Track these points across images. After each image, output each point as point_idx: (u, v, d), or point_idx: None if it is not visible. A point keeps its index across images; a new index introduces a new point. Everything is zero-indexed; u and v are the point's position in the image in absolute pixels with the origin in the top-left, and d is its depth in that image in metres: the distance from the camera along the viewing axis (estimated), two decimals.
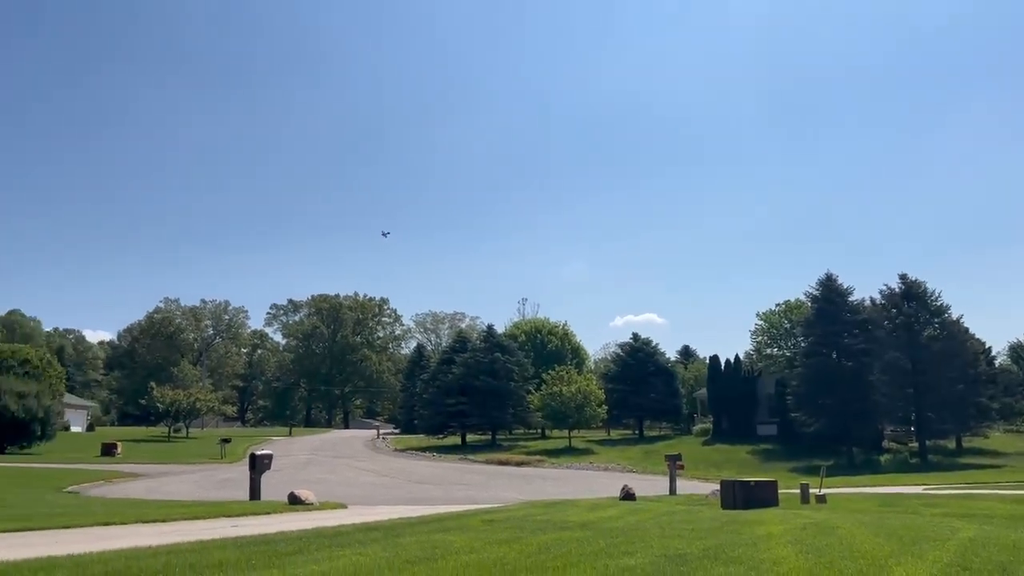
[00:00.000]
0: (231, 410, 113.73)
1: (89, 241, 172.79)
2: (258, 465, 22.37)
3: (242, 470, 34.34)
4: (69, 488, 31.30)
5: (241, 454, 51.96)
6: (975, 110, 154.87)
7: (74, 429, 78.01)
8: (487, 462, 51.41)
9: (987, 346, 59.96)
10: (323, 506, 19.42)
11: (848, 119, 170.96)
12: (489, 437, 64.75)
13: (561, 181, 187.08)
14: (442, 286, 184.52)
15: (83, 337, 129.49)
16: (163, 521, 14.17)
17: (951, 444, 54.89)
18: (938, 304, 54.66)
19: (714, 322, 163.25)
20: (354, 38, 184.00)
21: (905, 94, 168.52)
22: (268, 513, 16.55)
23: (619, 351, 73.14)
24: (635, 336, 70.77)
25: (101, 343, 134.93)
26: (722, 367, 64.24)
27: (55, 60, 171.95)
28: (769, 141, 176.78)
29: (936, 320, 54.50)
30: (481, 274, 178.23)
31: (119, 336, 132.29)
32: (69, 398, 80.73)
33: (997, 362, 65.78)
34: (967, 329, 55.34)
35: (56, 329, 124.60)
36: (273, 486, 24.00)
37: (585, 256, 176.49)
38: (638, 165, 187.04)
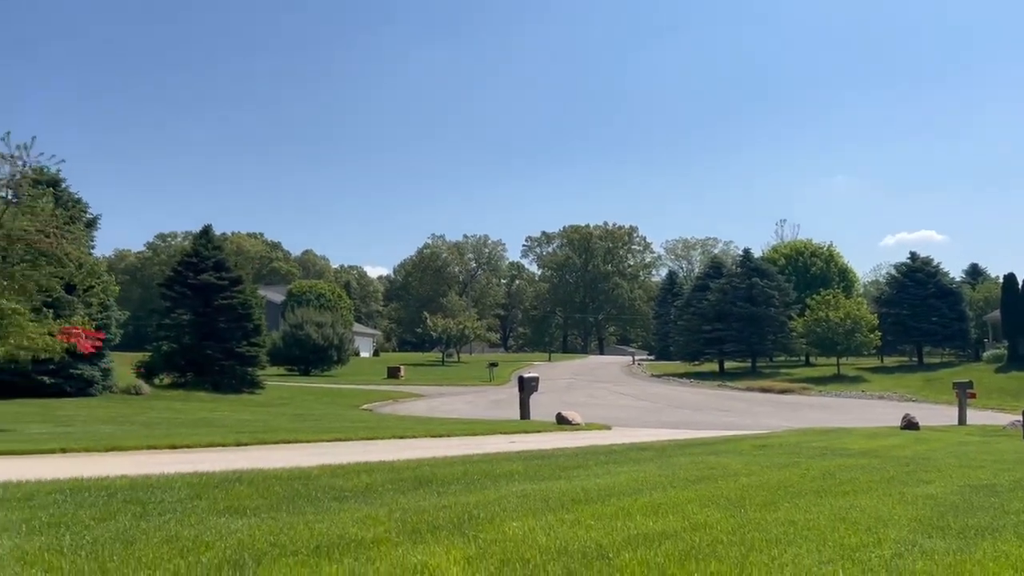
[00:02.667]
0: (494, 337, 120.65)
1: (365, 186, 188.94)
2: (526, 387, 23.60)
3: (510, 392, 36.55)
4: (364, 406, 35.20)
5: (507, 377, 55.20)
6: None
7: (363, 354, 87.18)
8: (748, 389, 50.25)
9: None
10: (588, 427, 20.11)
11: None
12: (748, 364, 63.11)
13: (816, 86, 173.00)
14: (692, 211, 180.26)
15: (364, 272, 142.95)
16: (448, 436, 15.45)
17: None
18: None
19: (1007, 236, 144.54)
20: None
21: None
22: (539, 431, 17.44)
23: (894, 272, 67.49)
24: (912, 255, 64.81)
25: (380, 278, 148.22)
26: (1020, 286, 56.97)
27: (329, 22, 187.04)
28: None
29: None
30: (733, 196, 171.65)
31: (394, 271, 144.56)
32: (357, 327, 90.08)
33: None
34: None
35: (342, 266, 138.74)
36: (540, 406, 25.23)
37: (848, 169, 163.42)
38: (904, 65, 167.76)
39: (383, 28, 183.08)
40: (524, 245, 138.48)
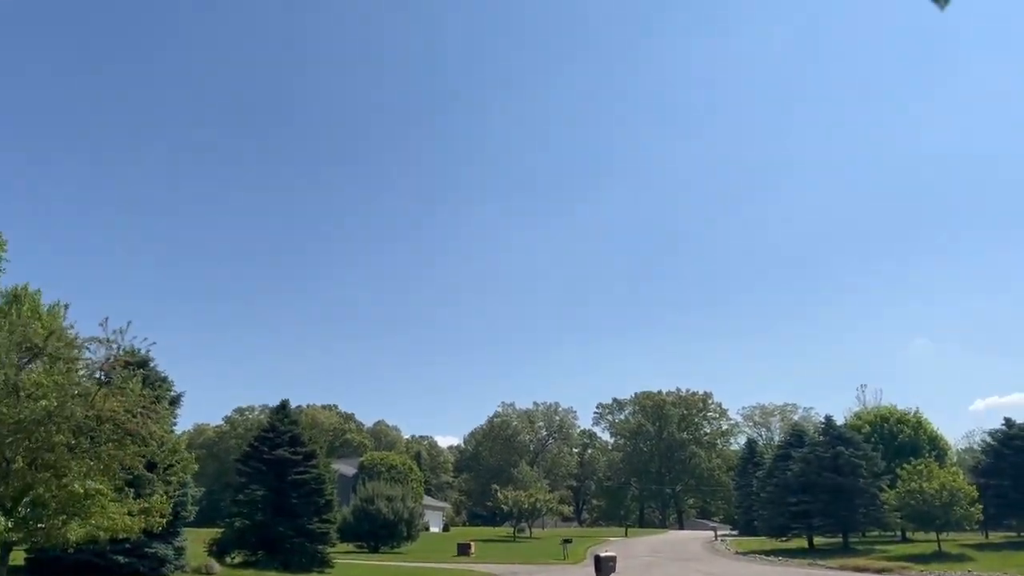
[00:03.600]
0: (567, 510, 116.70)
1: (436, 352, 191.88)
2: (603, 568, 22.59)
3: (586, 572, 34.87)
4: None
5: (583, 554, 52.83)
6: None
7: (432, 529, 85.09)
8: (842, 568, 46.78)
9: None
10: None
11: None
12: (839, 539, 59.10)
13: (891, 247, 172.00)
14: (768, 376, 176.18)
15: (435, 442, 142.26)
16: None
17: None
18: None
19: None
20: (643, 140, 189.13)
21: None
22: None
23: (989, 439, 63.74)
24: (1008, 421, 61.31)
25: (450, 447, 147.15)
26: None
27: (364, 191, 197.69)
28: None
29: None
30: (810, 361, 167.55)
31: (465, 440, 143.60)
32: (427, 500, 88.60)
33: None
34: None
35: (413, 436, 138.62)
36: None
37: (927, 331, 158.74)
38: (985, 218, 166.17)
39: (461, 204, 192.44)
40: (596, 412, 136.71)
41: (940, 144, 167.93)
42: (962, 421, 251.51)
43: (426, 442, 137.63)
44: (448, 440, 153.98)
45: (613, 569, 22.95)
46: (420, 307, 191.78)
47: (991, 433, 63.74)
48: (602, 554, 23.68)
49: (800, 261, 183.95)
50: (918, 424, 77.22)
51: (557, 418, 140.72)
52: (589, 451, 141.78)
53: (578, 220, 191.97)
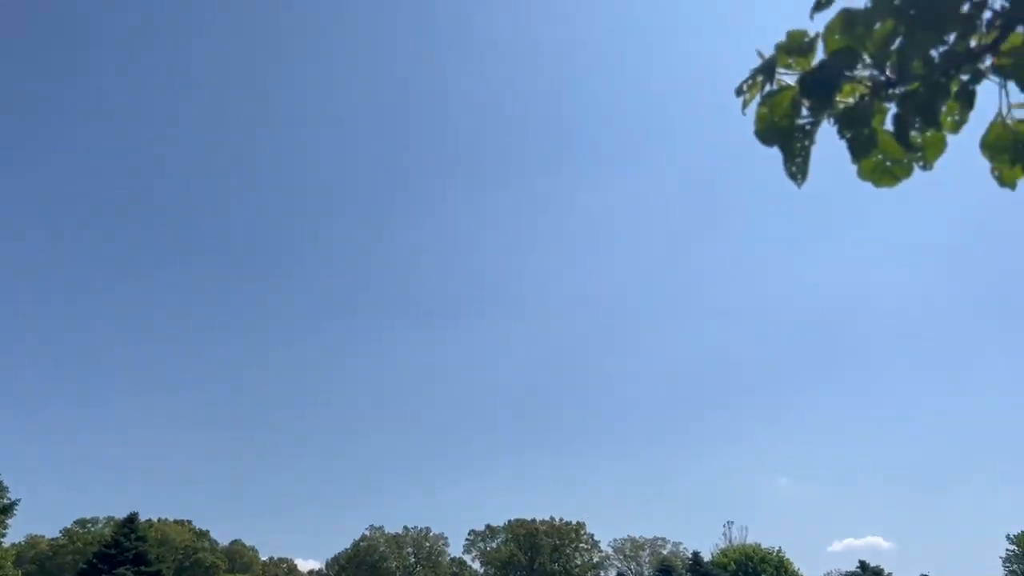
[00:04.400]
0: None
1: (302, 472, 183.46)
2: None
3: None
4: None
5: None
6: None
7: None
8: None
9: None
10: None
11: None
12: None
13: (764, 388, 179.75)
14: (640, 508, 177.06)
15: (295, 566, 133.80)
16: None
17: None
18: None
19: (952, 547, 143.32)
20: (527, 264, 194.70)
21: None
22: None
23: None
24: (862, 564, 63.54)
25: (311, 572, 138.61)
26: None
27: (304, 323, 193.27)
28: (1005, 342, 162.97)
29: None
30: (681, 495, 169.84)
31: (327, 565, 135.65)
32: None
33: None
34: None
35: (271, 558, 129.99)
36: None
37: (794, 471, 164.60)
38: (853, 368, 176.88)
39: (346, 318, 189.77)
40: (467, 539, 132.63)
41: (817, 290, 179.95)
42: (823, 561, 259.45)
43: (285, 565, 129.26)
44: (309, 564, 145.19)
45: None
46: (285, 419, 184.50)
47: (846, 575, 65.81)
48: None
49: (675, 396, 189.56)
50: (780, 564, 78.80)
51: (427, 544, 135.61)
52: None
53: (461, 344, 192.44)
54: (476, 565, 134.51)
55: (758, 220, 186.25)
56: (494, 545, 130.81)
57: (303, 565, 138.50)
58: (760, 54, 2.95)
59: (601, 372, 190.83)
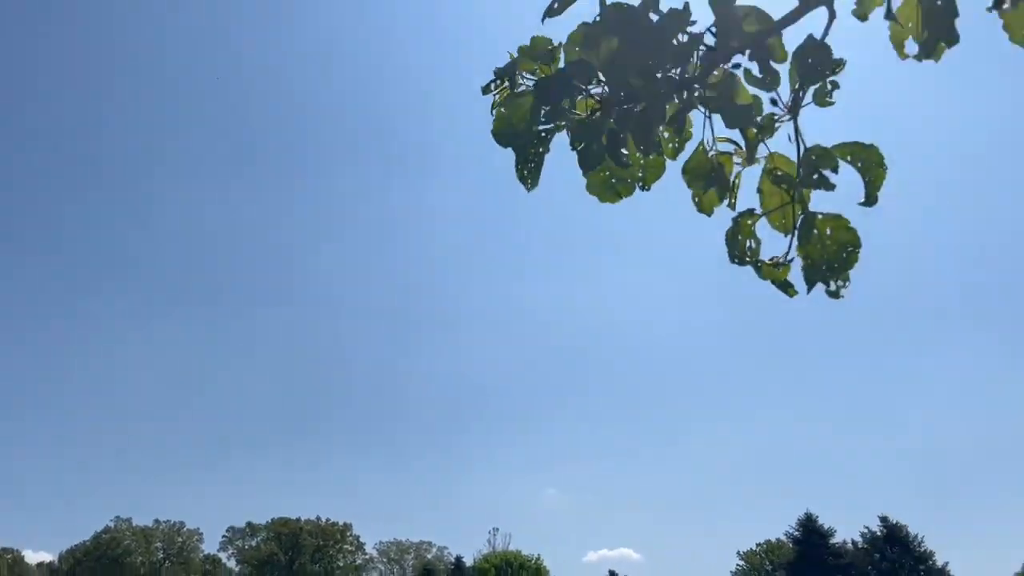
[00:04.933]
0: None
1: (32, 457, 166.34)
2: None
3: None
4: None
5: None
6: (963, 353, 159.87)
7: None
8: None
9: None
10: None
11: (832, 358, 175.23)
12: None
13: (537, 406, 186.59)
14: (410, 512, 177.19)
15: (22, 558, 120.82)
16: None
17: None
18: (922, 550, 53.02)
19: (693, 561, 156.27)
20: (310, 252, 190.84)
21: (890, 330, 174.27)
22: None
23: None
24: (611, 573, 67.58)
25: (40, 565, 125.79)
26: None
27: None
28: (754, 378, 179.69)
29: (921, 567, 52.59)
30: (452, 502, 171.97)
31: (60, 558, 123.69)
32: None
33: None
34: None
35: None
36: None
37: (561, 482, 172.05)
38: (616, 395, 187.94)
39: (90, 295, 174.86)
40: (224, 536, 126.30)
41: (588, 311, 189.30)
42: (578, 570, 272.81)
43: (10, 556, 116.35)
44: (40, 556, 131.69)
45: None
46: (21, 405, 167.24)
47: None
48: None
49: (451, 403, 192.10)
50: (538, 571, 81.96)
51: (179, 540, 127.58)
52: None
53: (230, 333, 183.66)
54: (232, 564, 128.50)
55: (544, 232, 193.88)
56: (253, 543, 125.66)
57: (32, 557, 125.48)
58: (511, 55, 2.95)
59: (380, 373, 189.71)
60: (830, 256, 2.44)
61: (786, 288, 2.54)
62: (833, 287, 2.47)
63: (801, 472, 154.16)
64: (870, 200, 2.41)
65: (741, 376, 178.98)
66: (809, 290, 2.48)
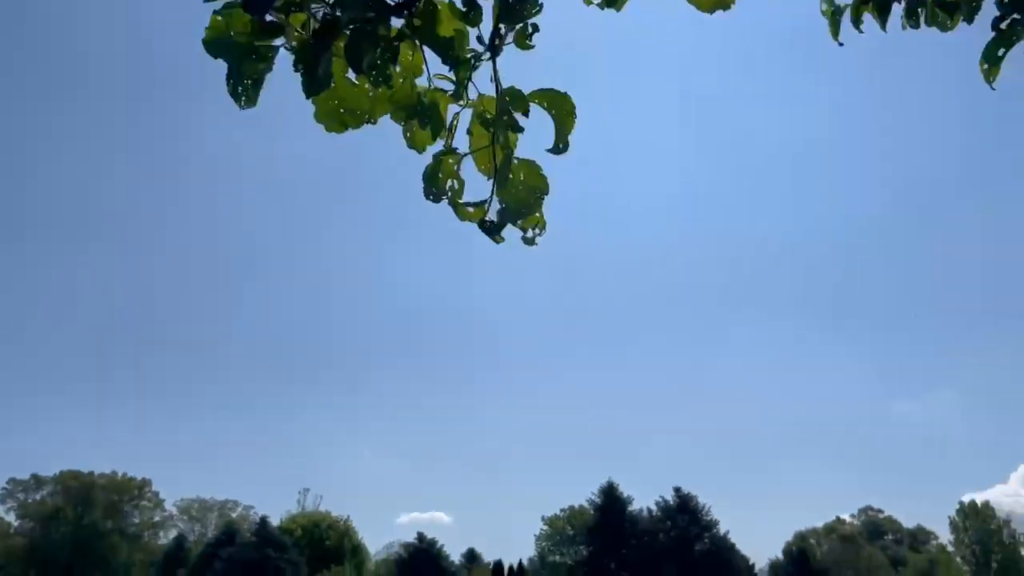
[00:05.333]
0: None
1: None
2: None
3: None
4: None
5: None
6: (751, 334, 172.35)
7: None
8: None
9: (751, 562, 63.12)
10: None
11: (636, 332, 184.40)
12: None
13: (352, 368, 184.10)
14: (214, 470, 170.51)
15: None
16: None
17: None
18: (708, 519, 57.37)
19: (500, 524, 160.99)
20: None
21: (690, 308, 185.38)
22: None
23: (402, 552, 69.84)
24: (420, 536, 68.22)
25: None
26: (505, 574, 62.75)
27: None
28: (561, 346, 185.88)
29: (706, 535, 56.92)
30: (261, 461, 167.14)
31: None
32: None
33: None
34: (733, 545, 58.10)
35: None
36: None
37: (374, 446, 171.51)
38: (439, 358, 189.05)
39: None
40: (4, 488, 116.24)
41: (423, 280, 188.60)
42: (389, 532, 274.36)
43: None
44: None
45: None
46: None
47: (404, 546, 70.14)
48: None
49: (267, 361, 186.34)
50: (346, 532, 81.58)
51: None
52: None
53: (27, 270, 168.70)
54: (11, 518, 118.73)
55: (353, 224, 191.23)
56: (38, 497, 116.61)
57: None
58: None
59: (189, 322, 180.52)
60: (520, 200, 2.40)
61: (491, 233, 2.48)
62: (530, 234, 2.43)
63: (606, 443, 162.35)
64: (558, 146, 2.39)
65: (550, 345, 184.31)
66: (495, 233, 2.43)
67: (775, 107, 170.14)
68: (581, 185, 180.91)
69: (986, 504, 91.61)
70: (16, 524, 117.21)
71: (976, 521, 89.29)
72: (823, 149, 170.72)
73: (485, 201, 2.48)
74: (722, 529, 57.58)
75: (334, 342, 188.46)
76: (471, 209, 2.48)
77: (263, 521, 65.34)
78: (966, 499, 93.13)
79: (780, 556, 78.76)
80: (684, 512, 57.19)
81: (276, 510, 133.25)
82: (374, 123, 2.72)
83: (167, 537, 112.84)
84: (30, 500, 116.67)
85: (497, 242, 2.43)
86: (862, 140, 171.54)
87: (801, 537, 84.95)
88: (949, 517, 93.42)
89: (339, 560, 70.60)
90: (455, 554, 77.80)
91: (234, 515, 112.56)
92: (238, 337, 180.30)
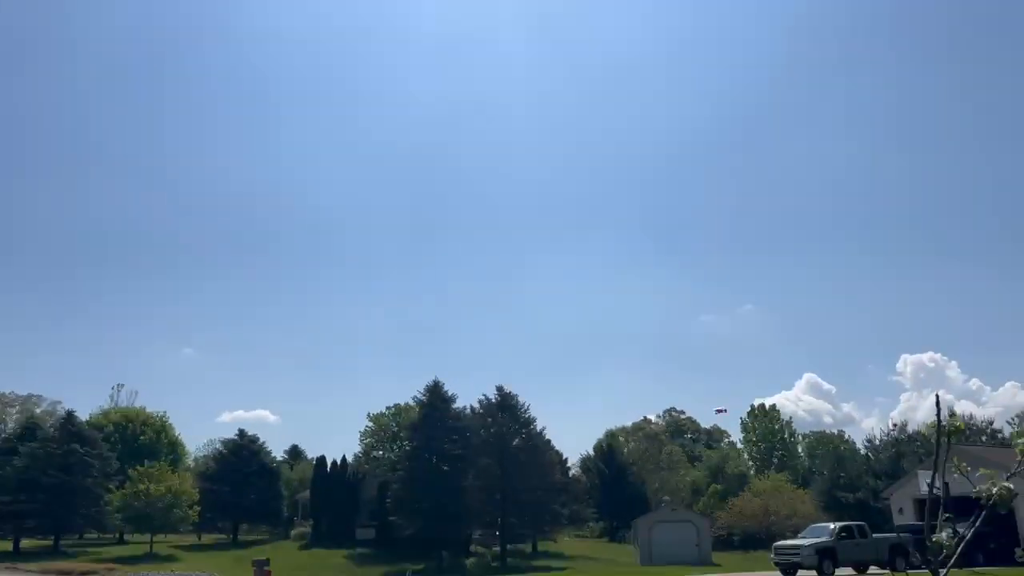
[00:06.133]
0: None
1: None
2: None
3: None
4: None
5: None
6: (572, 247, 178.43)
7: None
8: (44, 572, 44.00)
9: (564, 457, 67.39)
10: None
11: (467, 235, 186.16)
12: (51, 542, 55.79)
13: (172, 266, 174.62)
14: (17, 363, 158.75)
15: None
16: None
17: (528, 548, 59.68)
18: (526, 416, 60.14)
19: (327, 422, 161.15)
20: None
21: (520, 217, 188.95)
22: None
23: (221, 448, 68.71)
24: (241, 432, 67.20)
25: None
26: (328, 468, 63.48)
27: None
28: (390, 246, 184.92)
29: (524, 431, 59.79)
30: (72, 356, 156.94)
31: None
32: None
33: (571, 473, 73.89)
34: (548, 440, 61.53)
35: None
36: None
37: (198, 344, 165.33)
38: (265, 254, 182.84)
39: None
40: None
41: (251, 175, 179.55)
42: (210, 429, 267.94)
43: None
44: None
45: None
46: None
47: (224, 442, 68.92)
48: None
49: (77, 247, 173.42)
50: (162, 428, 79.22)
51: None
52: None
53: None
54: None
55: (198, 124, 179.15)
56: None
57: None
58: None
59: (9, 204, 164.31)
60: None
61: None
62: None
63: (430, 344, 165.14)
64: None
65: (380, 243, 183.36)
66: None
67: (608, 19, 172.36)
68: (421, 84, 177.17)
69: (773, 407, 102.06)
70: None
71: (764, 421, 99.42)
72: (647, 60, 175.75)
73: None
74: (539, 426, 60.61)
75: (155, 235, 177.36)
76: None
77: (69, 415, 61.92)
78: (756, 402, 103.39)
79: (591, 452, 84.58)
80: (504, 410, 59.53)
81: (87, 406, 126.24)
82: None
83: None
84: None
85: None
86: (682, 51, 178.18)
87: (611, 435, 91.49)
88: (740, 418, 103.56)
89: (155, 456, 68.71)
90: (278, 451, 77.78)
91: (38, 410, 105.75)
92: (57, 224, 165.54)
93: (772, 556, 36.67)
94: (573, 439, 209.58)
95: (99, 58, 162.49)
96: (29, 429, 63.00)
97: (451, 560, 53.86)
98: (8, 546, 53.65)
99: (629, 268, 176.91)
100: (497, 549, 56.72)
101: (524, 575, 46.93)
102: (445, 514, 53.84)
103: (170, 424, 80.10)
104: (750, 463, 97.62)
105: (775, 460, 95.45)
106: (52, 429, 61.09)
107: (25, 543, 54.91)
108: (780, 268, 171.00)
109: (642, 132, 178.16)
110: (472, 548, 58.65)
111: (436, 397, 60.14)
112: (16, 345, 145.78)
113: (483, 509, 56.46)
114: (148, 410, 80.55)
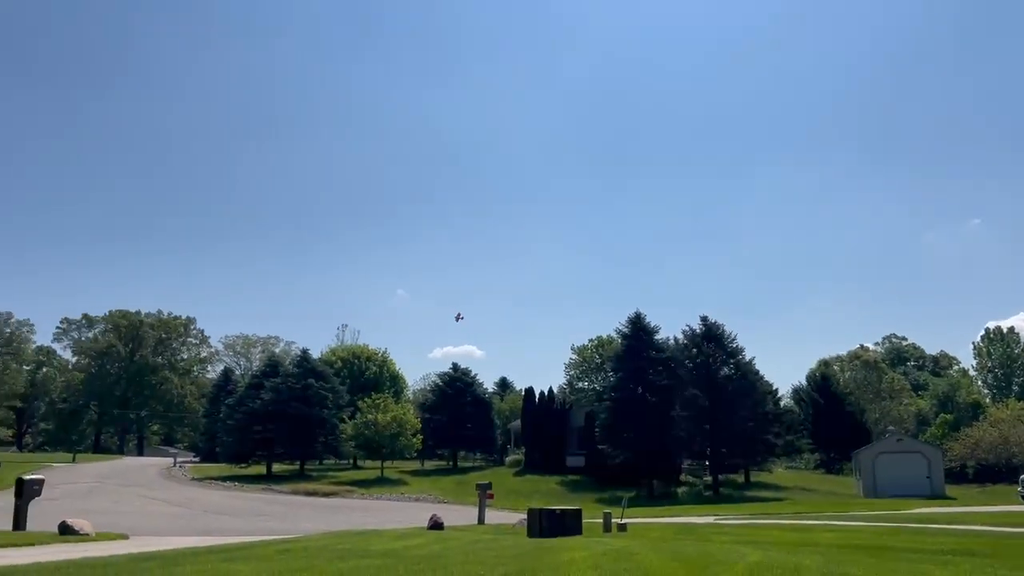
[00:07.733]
0: (7, 432, 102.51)
1: None
2: (25, 491, 20.00)
3: (7, 499, 30.75)
4: None
5: (12, 481, 46.69)
6: (778, 170, 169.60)
7: None
8: (293, 493, 49.23)
9: (774, 388, 65.12)
10: (100, 537, 17.62)
11: (665, 167, 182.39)
12: (297, 467, 62.20)
13: (389, 214, 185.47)
14: (258, 310, 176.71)
15: None
16: None
17: (740, 478, 58.75)
18: (734, 346, 58.57)
19: (532, 355, 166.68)
20: (167, 45, 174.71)
21: (719, 144, 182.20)
22: (32, 544, 14.74)
23: (438, 380, 72.88)
24: (454, 366, 70.86)
25: None
26: (536, 399, 65.53)
27: None
28: (589, 184, 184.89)
29: (732, 361, 58.33)
30: (301, 300, 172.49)
31: None
32: None
33: (782, 404, 71.37)
34: (758, 371, 59.64)
35: None
36: (46, 515, 21.56)
37: (409, 286, 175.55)
38: (468, 203, 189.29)
39: None
40: (59, 328, 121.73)
41: (452, 125, 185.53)
42: (424, 365, 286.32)
43: None
44: None
45: (38, 493, 20.46)
46: None
47: (440, 375, 73.07)
48: (26, 477, 20.91)
49: (306, 206, 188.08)
50: (384, 363, 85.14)
51: (7, 330, 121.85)
52: (45, 369, 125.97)
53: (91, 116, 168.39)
54: (68, 355, 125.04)
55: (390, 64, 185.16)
56: (90, 335, 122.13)
57: None
58: None
59: (230, 168, 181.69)
60: None
61: None
62: None
63: (636, 278, 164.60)
64: None
65: (580, 187, 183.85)
66: None
67: None
68: (614, 18, 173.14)
69: (1011, 330, 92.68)
70: (73, 360, 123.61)
71: (1000, 345, 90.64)
72: None
73: None
74: (747, 356, 58.83)
75: (368, 189, 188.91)
76: None
77: (304, 353, 68.15)
78: (991, 325, 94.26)
79: (803, 382, 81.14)
80: (709, 340, 58.23)
81: (316, 345, 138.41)
82: None
83: (215, 371, 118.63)
84: (83, 338, 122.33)
85: None
86: None
87: (824, 364, 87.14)
88: (973, 343, 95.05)
89: (379, 389, 74.06)
90: (487, 384, 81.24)
91: (276, 350, 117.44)
92: (275, 182, 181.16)
93: (1020, 489, 33.72)
94: (783, 369, 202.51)
95: (351, 26, 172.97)
96: (271, 366, 69.92)
97: (662, 488, 54.24)
98: (263, 470, 60.44)
99: (842, 187, 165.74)
100: (708, 479, 56.36)
101: (738, 504, 46.32)
102: (652, 444, 54.07)
103: (391, 359, 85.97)
104: (985, 391, 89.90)
105: (1015, 387, 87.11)
106: (291, 366, 67.49)
107: (276, 467, 61.58)
108: (1010, 178, 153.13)
109: (847, 42, 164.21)
110: (682, 478, 58.68)
111: (639, 329, 59.99)
112: (258, 292, 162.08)
113: (690, 440, 56.09)
114: (371, 347, 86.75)
